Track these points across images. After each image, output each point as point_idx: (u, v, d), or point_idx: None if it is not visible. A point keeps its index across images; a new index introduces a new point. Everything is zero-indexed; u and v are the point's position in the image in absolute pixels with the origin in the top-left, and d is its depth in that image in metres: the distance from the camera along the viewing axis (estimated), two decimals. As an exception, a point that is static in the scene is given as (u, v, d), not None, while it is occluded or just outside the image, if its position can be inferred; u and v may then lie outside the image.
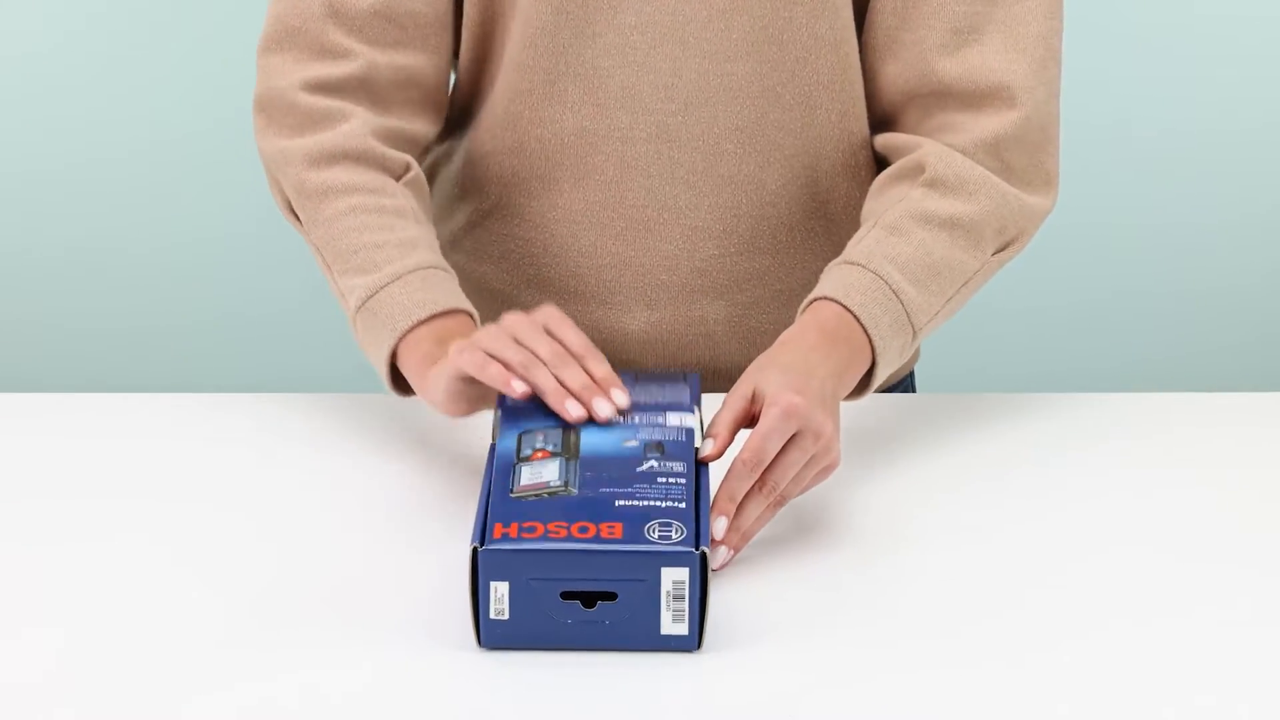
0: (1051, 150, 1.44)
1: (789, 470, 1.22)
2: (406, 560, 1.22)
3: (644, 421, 1.20)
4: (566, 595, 1.10)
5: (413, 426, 1.43)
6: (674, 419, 1.20)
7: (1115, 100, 2.54)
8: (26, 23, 2.41)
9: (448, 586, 1.16)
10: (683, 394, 1.24)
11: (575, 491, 1.13)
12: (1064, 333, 2.67)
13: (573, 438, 1.17)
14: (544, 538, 1.10)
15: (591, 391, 1.21)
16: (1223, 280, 2.62)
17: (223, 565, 1.22)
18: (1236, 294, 2.63)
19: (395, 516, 1.29)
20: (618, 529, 1.10)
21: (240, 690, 1.07)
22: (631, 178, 1.47)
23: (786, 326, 1.51)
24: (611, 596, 1.10)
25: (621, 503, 1.12)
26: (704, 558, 1.09)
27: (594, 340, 1.50)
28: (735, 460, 1.21)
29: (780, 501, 1.22)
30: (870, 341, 1.33)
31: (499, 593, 1.10)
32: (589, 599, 1.10)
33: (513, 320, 1.26)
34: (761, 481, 1.21)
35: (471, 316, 1.36)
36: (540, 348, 1.23)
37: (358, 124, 1.42)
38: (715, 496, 1.19)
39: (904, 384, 1.63)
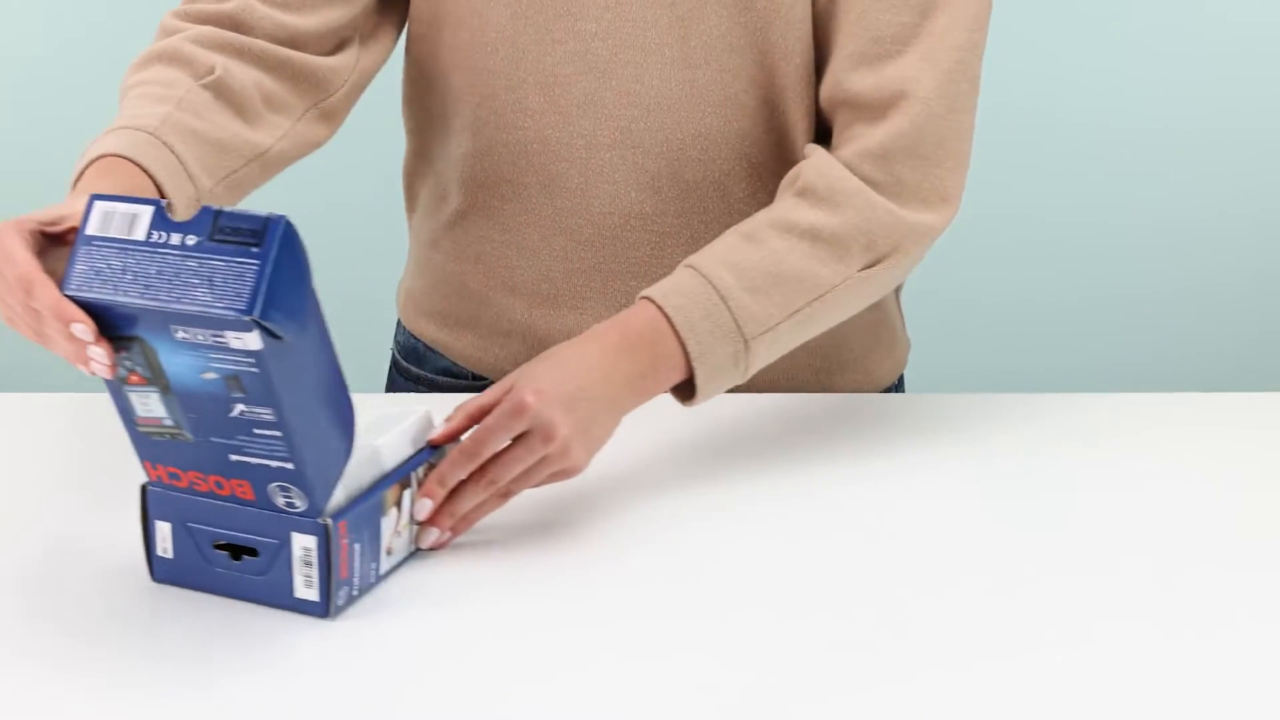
0: (952, 167, 1.38)
1: (511, 467, 1.22)
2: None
3: (206, 341, 1.08)
4: (219, 545, 1.15)
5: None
6: (234, 339, 1.07)
7: (1115, 99, 2.54)
8: (27, 26, 2.42)
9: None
10: (241, 290, 1.06)
11: (190, 438, 1.13)
12: (1062, 332, 2.66)
13: (152, 357, 1.10)
14: (190, 488, 1.15)
15: (79, 357, 1.11)
16: (1216, 279, 2.61)
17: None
18: (1230, 294, 2.63)
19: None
20: (247, 488, 1.14)
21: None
22: (597, 184, 1.46)
23: None
24: (255, 553, 1.15)
25: (235, 458, 1.13)
26: (327, 529, 1.13)
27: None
28: (456, 446, 1.22)
29: (506, 494, 1.23)
30: (684, 347, 1.30)
31: (163, 532, 1.17)
32: (236, 552, 1.15)
33: None
34: (481, 472, 1.21)
35: (139, 164, 1.28)
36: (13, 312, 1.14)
37: (190, 33, 1.39)
38: (428, 477, 1.21)
39: (893, 385, 1.62)
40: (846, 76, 1.39)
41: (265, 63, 1.40)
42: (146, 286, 1.08)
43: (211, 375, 1.09)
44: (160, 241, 1.08)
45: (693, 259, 1.33)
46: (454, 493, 1.22)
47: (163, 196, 1.28)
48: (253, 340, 1.07)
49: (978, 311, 2.65)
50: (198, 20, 1.41)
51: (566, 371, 1.25)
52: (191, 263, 1.07)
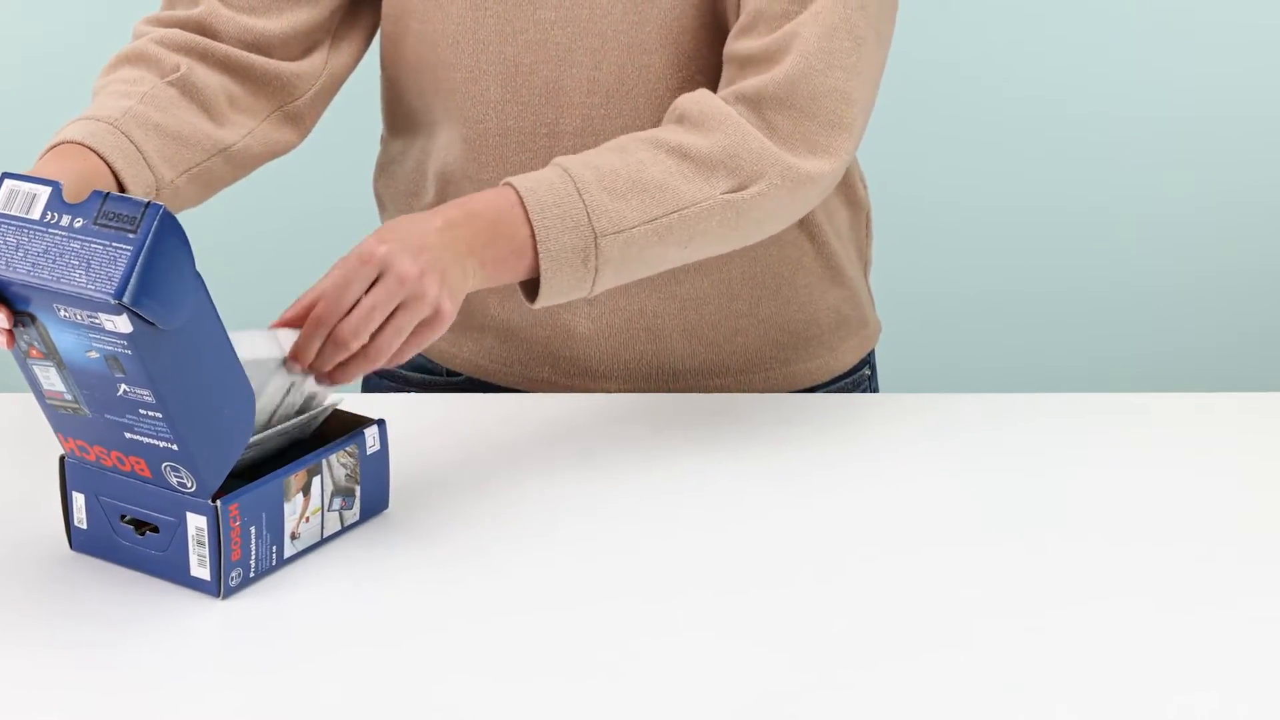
0: (825, 123, 1.35)
1: (371, 316, 1.20)
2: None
3: (85, 321, 1.11)
4: (125, 519, 1.19)
5: (422, 420, 1.44)
6: (108, 321, 1.10)
7: (1109, 87, 2.52)
8: (28, 30, 2.44)
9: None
10: (114, 274, 1.09)
11: (88, 413, 1.16)
12: (1059, 329, 2.63)
13: (44, 333, 1.14)
14: (97, 462, 1.19)
15: None
16: (1215, 274, 2.58)
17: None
18: (1230, 290, 2.59)
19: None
20: (143, 465, 1.17)
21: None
22: None
23: (732, 319, 1.51)
24: (156, 529, 1.18)
25: (130, 435, 1.16)
26: (216, 510, 1.15)
27: (541, 338, 1.52)
28: (310, 315, 1.21)
29: (373, 356, 1.21)
30: (531, 229, 1.28)
31: (79, 503, 1.20)
32: (141, 527, 1.18)
33: None
34: (339, 328, 1.20)
35: (92, 148, 1.32)
36: None
37: (156, 34, 1.43)
38: (286, 358, 1.21)
39: (860, 364, 1.61)
40: (738, 38, 1.38)
41: (228, 67, 1.43)
42: (34, 265, 1.10)
43: (94, 354, 1.12)
44: (52, 221, 1.11)
45: (561, 158, 1.32)
46: (320, 357, 1.22)
47: (120, 184, 1.32)
48: (123, 324, 1.09)
49: (972, 306, 2.63)
50: (167, 25, 1.44)
51: (409, 228, 1.24)
52: (75, 244, 1.10)
